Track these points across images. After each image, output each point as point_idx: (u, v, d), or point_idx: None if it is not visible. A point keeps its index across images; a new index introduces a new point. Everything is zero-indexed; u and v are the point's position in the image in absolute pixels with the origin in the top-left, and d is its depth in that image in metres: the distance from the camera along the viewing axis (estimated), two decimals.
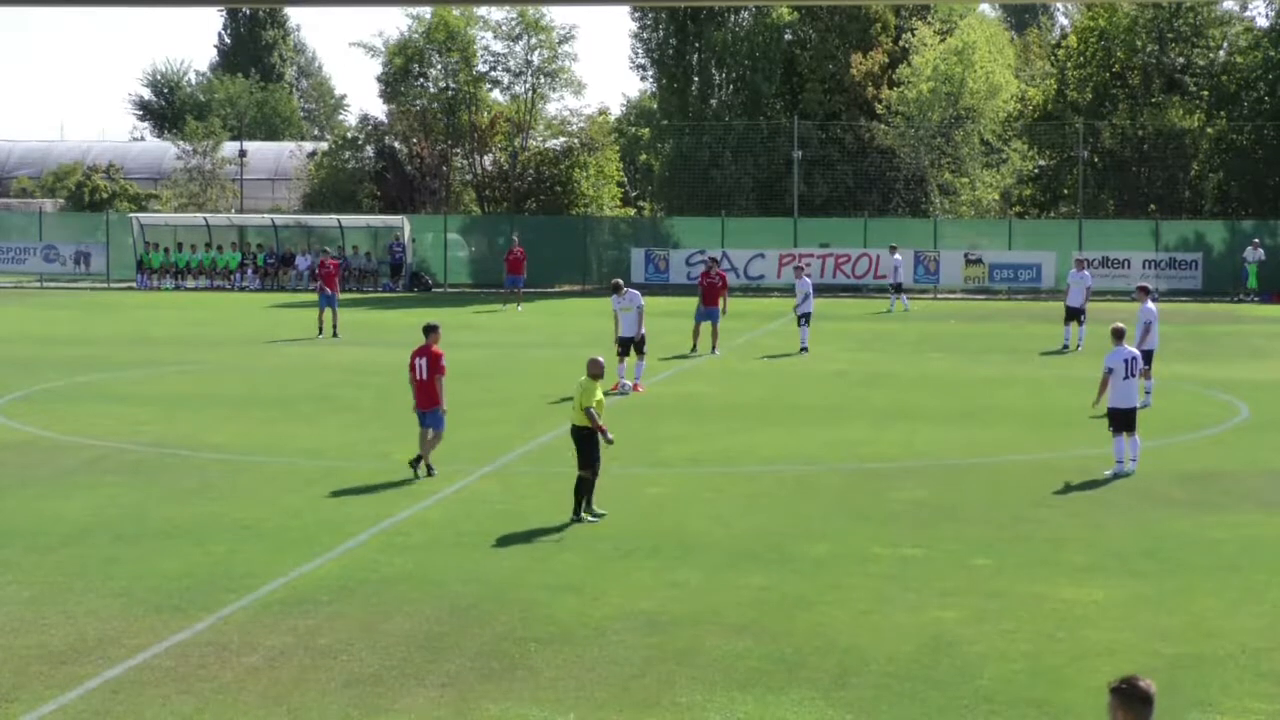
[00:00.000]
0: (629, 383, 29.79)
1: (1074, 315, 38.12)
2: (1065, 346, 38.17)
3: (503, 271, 64.23)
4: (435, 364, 20.94)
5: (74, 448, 23.44)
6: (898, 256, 53.65)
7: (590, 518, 18.35)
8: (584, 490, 18.47)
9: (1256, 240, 57.74)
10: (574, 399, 18.65)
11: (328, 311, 41.26)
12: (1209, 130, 65.97)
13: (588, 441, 18.40)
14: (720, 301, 36.81)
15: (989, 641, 13.57)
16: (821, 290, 58.69)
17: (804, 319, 37.77)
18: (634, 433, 25.07)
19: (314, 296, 43.76)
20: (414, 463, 21.06)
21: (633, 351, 30.67)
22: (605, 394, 19.41)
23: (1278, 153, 65.06)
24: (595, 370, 18.79)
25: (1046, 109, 68.66)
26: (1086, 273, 38.99)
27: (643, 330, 30.80)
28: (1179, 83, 66.25)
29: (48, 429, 25.20)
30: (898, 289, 52.93)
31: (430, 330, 21.36)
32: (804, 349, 37.28)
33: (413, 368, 21.15)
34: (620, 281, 32.76)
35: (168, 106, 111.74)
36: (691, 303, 38.94)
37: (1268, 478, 21.36)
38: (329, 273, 41.71)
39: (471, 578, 15.66)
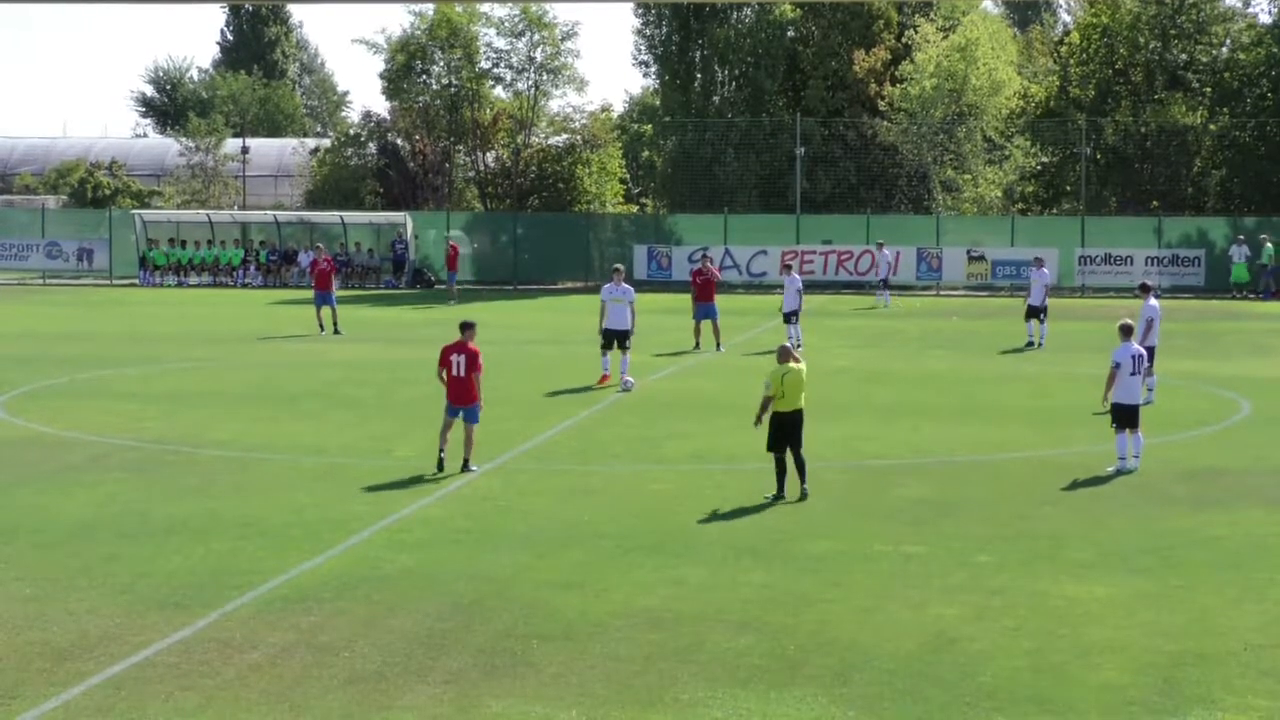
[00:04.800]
0: (631, 380, 29.76)
1: (1035, 313, 38.27)
2: (1030, 344, 38.25)
3: (503, 269, 64.55)
4: (474, 362, 20.91)
5: (76, 444, 23.45)
6: (886, 252, 54.16)
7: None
8: (802, 467, 19.38)
9: (1242, 237, 57.86)
10: (784, 390, 19.16)
11: (326, 309, 41.25)
12: (1212, 127, 65.96)
13: (799, 425, 19.31)
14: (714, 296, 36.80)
15: (991, 638, 13.57)
16: (824, 287, 58.85)
17: (793, 317, 37.51)
18: (636, 429, 25.10)
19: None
20: (441, 462, 21.02)
21: (616, 346, 30.44)
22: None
23: None
24: (781, 357, 19.56)
25: (1049, 105, 68.65)
26: (1045, 270, 39.29)
27: (630, 327, 30.52)
28: (1182, 79, 66.24)
29: (50, 425, 25.21)
30: (883, 284, 53.49)
31: (467, 327, 21.26)
32: (798, 345, 37.23)
33: (447, 363, 21.03)
34: (622, 268, 32.67)
35: (170, 103, 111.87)
36: None
37: (1270, 475, 21.35)
38: (323, 271, 41.69)
39: (473, 575, 15.66)
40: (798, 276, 38.76)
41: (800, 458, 19.50)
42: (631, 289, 31.38)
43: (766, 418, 19.39)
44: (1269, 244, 57.58)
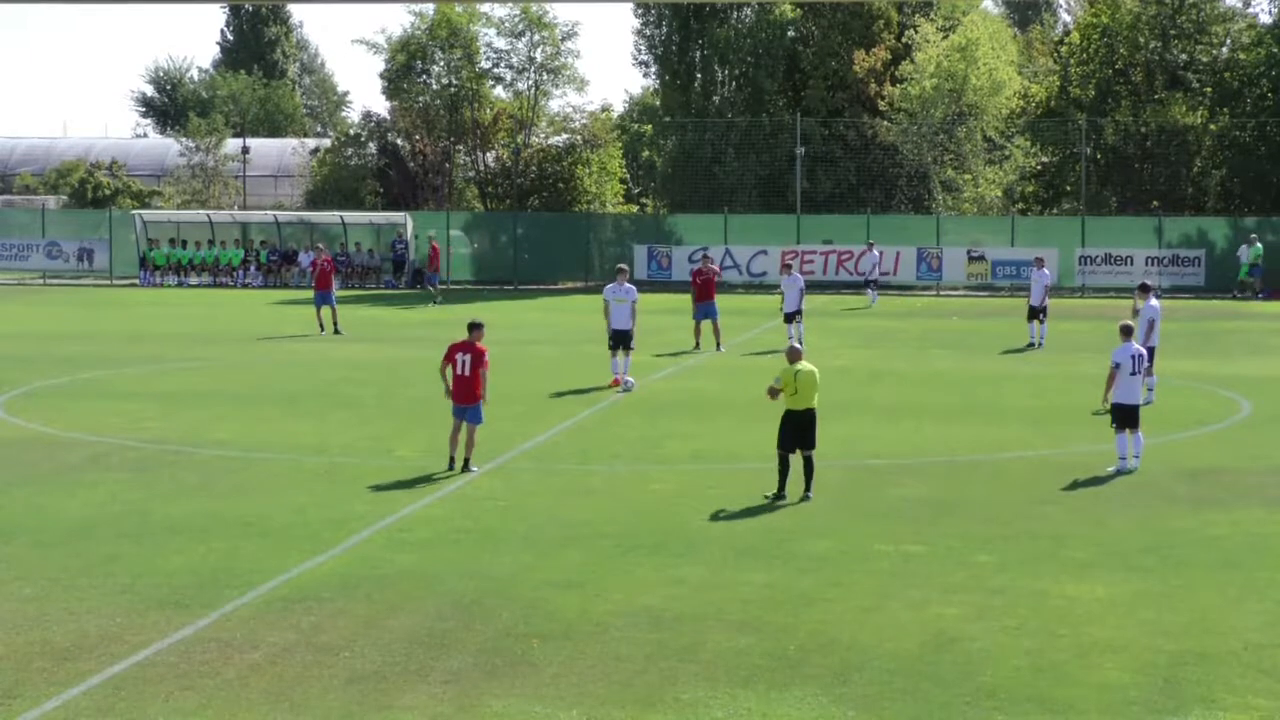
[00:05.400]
0: (631, 380, 29.76)
1: (1035, 313, 38.24)
2: (1031, 344, 38.22)
3: (503, 269, 64.53)
4: (479, 360, 20.93)
5: (76, 444, 23.45)
6: (875, 252, 54.32)
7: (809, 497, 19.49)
8: (810, 471, 19.48)
9: (1253, 236, 57.86)
10: (798, 388, 19.29)
11: (326, 309, 41.25)
12: (1212, 127, 65.94)
13: (813, 424, 19.44)
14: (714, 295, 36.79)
15: (991, 638, 13.57)
16: (824, 287, 58.81)
17: (796, 317, 37.47)
18: (636, 429, 25.10)
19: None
20: (453, 463, 21.09)
21: (620, 347, 30.39)
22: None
23: None
24: (791, 357, 19.73)
25: (1049, 105, 68.63)
26: (1046, 270, 39.33)
27: (633, 326, 30.55)
28: (1182, 79, 66.21)
29: (50, 425, 25.21)
30: (870, 284, 53.70)
31: (475, 327, 21.28)
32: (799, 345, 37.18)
33: (452, 360, 21.06)
34: (625, 268, 32.56)
35: (170, 103, 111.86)
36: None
37: (1270, 474, 21.36)
38: (323, 271, 41.69)
39: (474, 574, 15.67)
40: (799, 276, 38.73)
41: (810, 460, 19.52)
42: (634, 289, 31.32)
43: (779, 399, 19.62)
44: (1258, 244, 57.50)
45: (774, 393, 19.65)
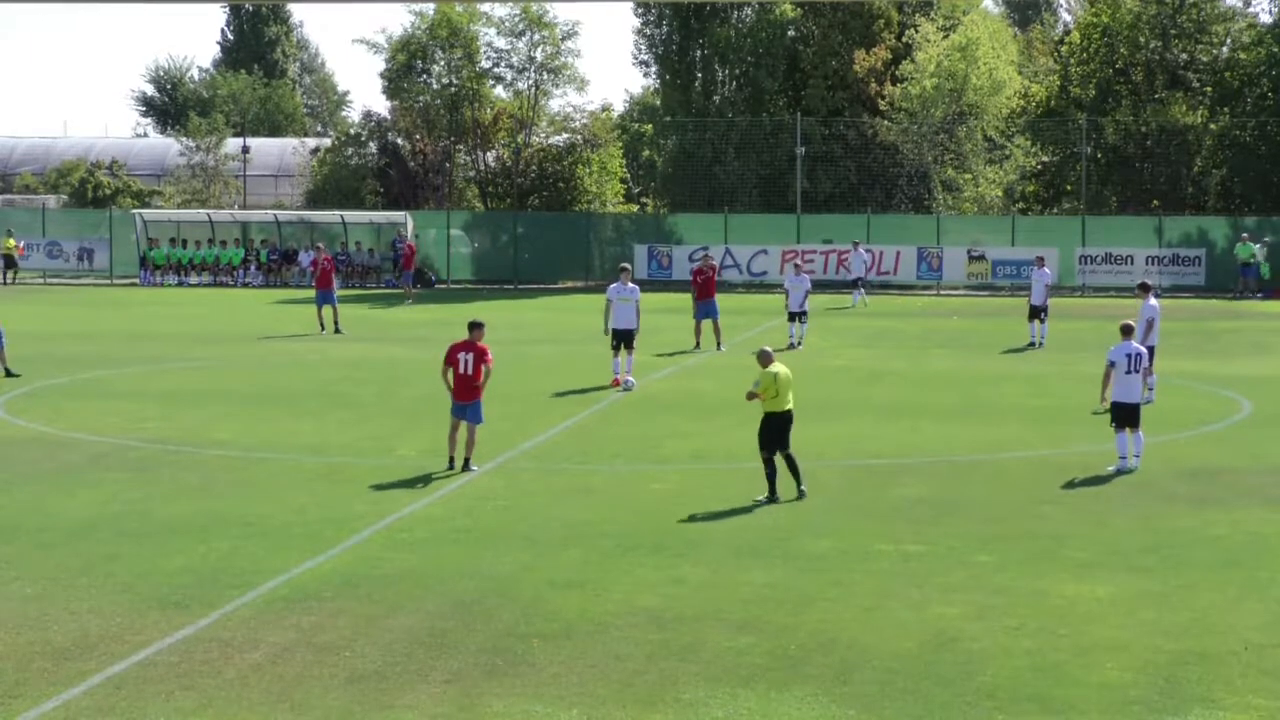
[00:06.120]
0: (632, 380, 29.77)
1: (1036, 313, 38.25)
2: (1031, 344, 38.21)
3: (503, 269, 64.47)
4: (481, 358, 20.97)
5: (77, 444, 23.46)
6: (862, 252, 54.29)
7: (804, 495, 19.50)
8: (795, 467, 19.55)
9: (1246, 235, 57.81)
10: (774, 391, 19.26)
11: (327, 308, 41.27)
12: (1212, 126, 65.94)
13: (790, 425, 19.49)
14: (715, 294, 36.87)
15: (992, 638, 13.57)
16: (825, 287, 58.80)
17: (800, 316, 37.67)
18: (636, 429, 25.10)
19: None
20: (453, 462, 21.11)
21: (622, 346, 30.39)
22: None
23: None
24: (765, 360, 19.61)
25: (1050, 105, 68.65)
26: (1046, 270, 39.39)
27: (636, 326, 30.56)
28: (1182, 79, 66.22)
29: (51, 425, 25.21)
30: (855, 284, 53.54)
31: (476, 326, 21.33)
32: (799, 344, 37.32)
33: (455, 361, 21.09)
34: (629, 268, 32.49)
35: (171, 103, 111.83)
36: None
37: (1270, 474, 21.36)
38: (324, 270, 41.70)
39: (474, 574, 15.67)
40: (806, 276, 38.82)
41: (790, 458, 19.52)
42: (637, 288, 31.34)
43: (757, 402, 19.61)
44: (1252, 244, 57.38)
45: (753, 397, 19.61)
